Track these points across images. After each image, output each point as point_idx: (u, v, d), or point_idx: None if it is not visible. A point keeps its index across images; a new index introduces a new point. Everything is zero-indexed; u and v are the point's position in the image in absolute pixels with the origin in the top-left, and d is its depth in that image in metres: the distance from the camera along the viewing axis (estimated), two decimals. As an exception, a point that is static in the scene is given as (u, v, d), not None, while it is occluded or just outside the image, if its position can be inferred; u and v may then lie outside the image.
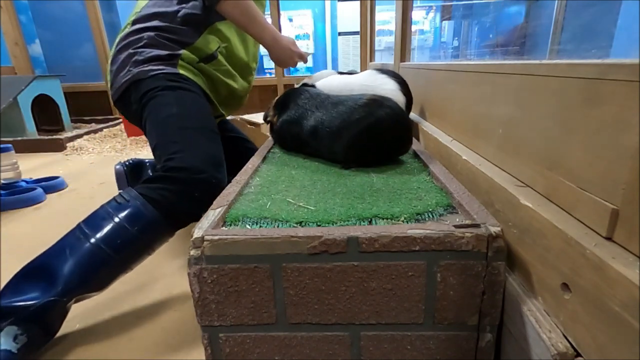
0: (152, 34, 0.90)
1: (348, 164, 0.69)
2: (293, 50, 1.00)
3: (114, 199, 0.69)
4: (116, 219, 0.65)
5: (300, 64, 1.09)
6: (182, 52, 0.92)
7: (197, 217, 0.54)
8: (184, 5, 0.93)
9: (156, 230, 0.69)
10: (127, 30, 0.93)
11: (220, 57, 0.98)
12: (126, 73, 0.89)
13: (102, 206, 0.69)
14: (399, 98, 0.90)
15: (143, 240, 0.67)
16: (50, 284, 0.62)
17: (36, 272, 0.63)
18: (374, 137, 0.66)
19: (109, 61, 0.96)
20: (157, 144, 0.79)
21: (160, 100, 0.84)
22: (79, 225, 0.67)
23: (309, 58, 1.09)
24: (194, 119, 0.83)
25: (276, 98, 0.89)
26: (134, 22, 0.93)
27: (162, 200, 0.68)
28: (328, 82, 0.96)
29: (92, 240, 0.64)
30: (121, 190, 0.71)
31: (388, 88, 0.91)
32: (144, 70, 0.87)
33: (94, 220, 0.67)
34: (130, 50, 0.90)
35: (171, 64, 0.90)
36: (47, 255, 0.65)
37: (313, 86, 0.92)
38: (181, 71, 0.90)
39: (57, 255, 0.64)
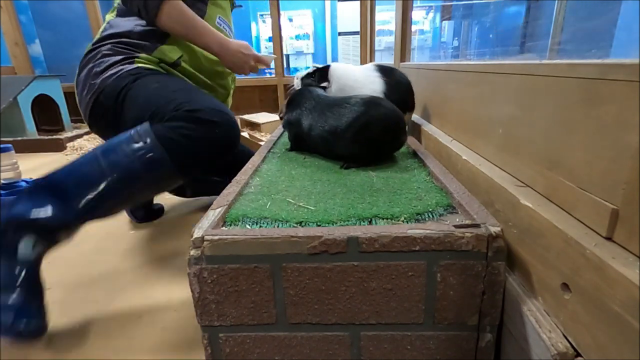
0: (108, 45, 0.90)
1: (348, 163, 0.70)
2: (245, 53, 0.95)
3: (129, 131, 0.71)
4: (125, 150, 0.68)
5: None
6: (140, 55, 0.91)
7: (211, 162, 0.65)
8: (139, 22, 0.92)
9: (160, 170, 0.70)
10: (85, 52, 0.93)
11: (184, 64, 0.96)
12: (89, 89, 0.88)
13: (117, 136, 0.72)
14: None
15: (146, 178, 0.69)
16: (62, 201, 0.65)
17: (48, 189, 0.66)
18: (369, 134, 0.68)
19: (74, 84, 0.95)
20: (154, 110, 0.76)
21: (137, 89, 0.83)
22: (94, 151, 0.70)
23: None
24: (180, 86, 0.84)
25: (289, 95, 0.91)
26: (92, 45, 0.93)
27: (177, 139, 0.69)
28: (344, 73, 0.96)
29: (102, 164, 0.67)
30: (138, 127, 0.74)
31: (371, 88, 0.90)
32: (105, 77, 0.86)
33: (107, 146, 0.71)
34: (89, 66, 0.90)
35: (129, 62, 0.89)
36: (59, 173, 0.68)
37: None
38: (140, 65, 0.89)
39: (68, 174, 0.68)
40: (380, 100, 0.71)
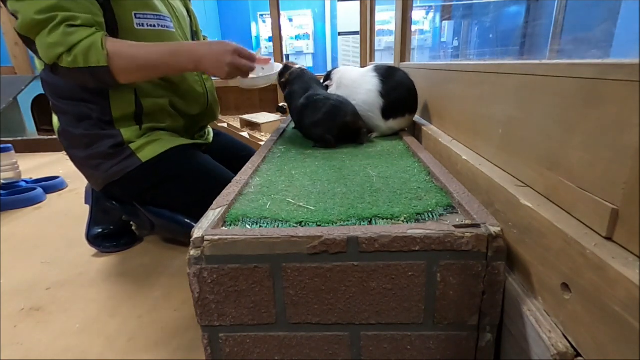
0: (80, 130, 0.86)
1: (316, 144, 0.87)
2: (224, 49, 0.79)
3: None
4: None
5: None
6: (122, 139, 0.85)
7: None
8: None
9: None
10: (56, 123, 0.92)
11: (145, 104, 0.88)
12: (95, 175, 0.90)
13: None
14: (373, 100, 0.90)
15: None
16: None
17: None
18: (317, 125, 0.85)
19: (55, 130, 0.94)
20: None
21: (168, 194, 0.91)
22: None
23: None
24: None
25: (291, 70, 1.00)
26: (57, 118, 0.92)
27: None
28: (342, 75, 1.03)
29: None
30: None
31: (366, 88, 0.92)
32: (112, 173, 0.86)
33: None
34: (79, 154, 0.89)
35: (126, 157, 0.86)
36: None
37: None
38: (141, 156, 0.86)
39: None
40: (339, 103, 0.85)
